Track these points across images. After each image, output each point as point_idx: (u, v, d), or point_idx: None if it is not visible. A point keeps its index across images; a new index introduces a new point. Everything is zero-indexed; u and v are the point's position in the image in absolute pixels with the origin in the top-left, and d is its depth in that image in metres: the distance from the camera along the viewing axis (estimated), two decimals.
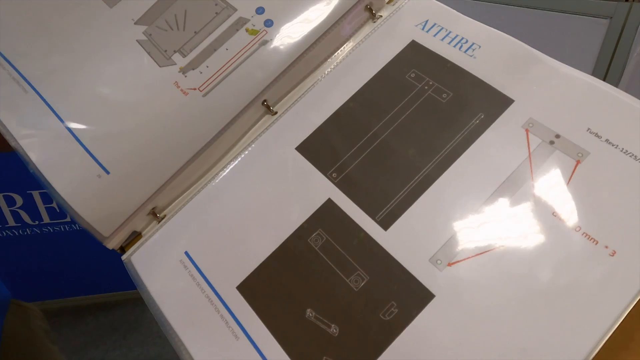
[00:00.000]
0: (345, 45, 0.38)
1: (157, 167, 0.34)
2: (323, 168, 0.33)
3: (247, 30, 0.36)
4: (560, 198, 0.27)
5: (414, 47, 0.35)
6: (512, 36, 0.33)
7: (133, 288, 0.33)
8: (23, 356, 0.53)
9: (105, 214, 0.34)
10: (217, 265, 0.32)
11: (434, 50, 0.34)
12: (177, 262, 0.32)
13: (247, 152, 0.35)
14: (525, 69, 0.32)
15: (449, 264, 0.27)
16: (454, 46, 0.34)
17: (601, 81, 0.30)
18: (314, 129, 0.34)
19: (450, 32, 0.35)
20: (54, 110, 0.35)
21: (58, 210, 1.02)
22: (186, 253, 0.33)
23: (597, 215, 0.26)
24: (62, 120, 0.35)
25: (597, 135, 0.28)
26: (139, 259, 0.34)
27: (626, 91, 0.29)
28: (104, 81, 0.36)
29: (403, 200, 0.30)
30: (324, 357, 0.27)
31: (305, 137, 0.34)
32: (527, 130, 0.30)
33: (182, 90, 0.35)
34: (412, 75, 0.34)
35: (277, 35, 0.36)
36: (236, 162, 0.35)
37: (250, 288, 0.30)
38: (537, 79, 0.31)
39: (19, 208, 1.02)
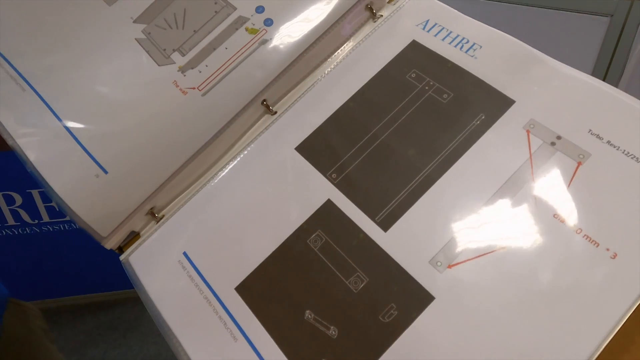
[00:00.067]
0: (345, 44, 0.37)
1: (155, 166, 0.34)
2: (323, 168, 0.32)
3: (246, 29, 0.36)
4: (561, 200, 0.27)
5: (414, 47, 0.35)
6: (513, 34, 0.33)
7: (132, 287, 0.33)
8: (21, 355, 0.53)
9: (103, 214, 0.33)
10: (216, 266, 0.31)
11: (434, 50, 0.34)
12: (176, 263, 0.32)
13: (246, 152, 0.35)
14: (527, 70, 0.32)
15: (449, 266, 0.27)
16: (455, 46, 0.34)
17: (603, 82, 0.30)
18: (314, 129, 0.34)
19: (451, 32, 0.34)
20: (51, 109, 0.35)
21: (57, 209, 1.02)
22: (184, 253, 0.32)
23: (598, 217, 0.26)
24: (60, 119, 0.35)
25: (598, 136, 0.28)
26: (137, 259, 0.34)
27: (627, 90, 0.29)
28: (103, 80, 0.36)
29: (403, 202, 0.30)
30: (323, 359, 0.27)
31: (304, 137, 0.34)
32: (528, 131, 0.29)
33: (181, 89, 0.35)
34: (413, 75, 0.34)
35: (277, 35, 0.36)
36: (235, 162, 0.35)
37: (249, 289, 0.30)
38: (538, 80, 0.31)
39: (18, 207, 1.02)
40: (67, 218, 1.05)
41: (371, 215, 0.30)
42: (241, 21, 0.36)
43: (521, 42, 0.33)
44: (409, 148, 0.31)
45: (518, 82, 0.31)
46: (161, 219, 0.35)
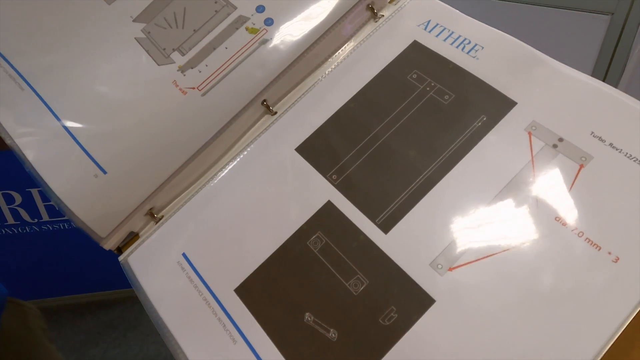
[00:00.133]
0: (346, 44, 0.37)
1: (155, 167, 0.34)
2: (323, 169, 0.32)
3: (247, 28, 0.36)
4: (562, 202, 0.27)
5: (415, 48, 0.35)
6: (513, 33, 0.33)
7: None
8: (21, 355, 0.53)
9: (102, 214, 0.33)
10: (215, 267, 0.31)
11: (436, 50, 0.34)
12: (175, 264, 0.32)
13: (246, 152, 0.35)
14: (529, 71, 0.31)
15: (450, 269, 0.27)
16: (457, 47, 0.34)
17: (605, 84, 0.30)
18: (314, 130, 0.34)
19: (452, 32, 0.34)
20: (50, 109, 0.35)
21: (57, 208, 1.01)
22: (184, 254, 0.32)
23: (600, 220, 0.26)
24: (58, 119, 0.35)
25: (600, 139, 0.28)
26: (136, 260, 0.33)
27: (627, 88, 0.29)
28: (102, 79, 0.36)
29: (404, 203, 0.29)
30: None
31: (305, 138, 0.34)
32: (530, 133, 0.29)
33: (180, 89, 0.35)
34: (414, 76, 0.34)
35: (277, 34, 0.35)
36: (235, 162, 0.35)
37: (248, 291, 0.30)
38: (540, 81, 0.31)
39: (17, 206, 1.01)
40: (67, 217, 1.05)
41: (371, 217, 0.30)
42: (241, 20, 0.36)
43: (523, 43, 0.33)
44: (409, 149, 0.31)
45: (520, 84, 0.31)
46: (160, 219, 0.35)
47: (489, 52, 0.33)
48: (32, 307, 0.58)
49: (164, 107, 0.35)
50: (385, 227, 0.29)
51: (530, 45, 0.32)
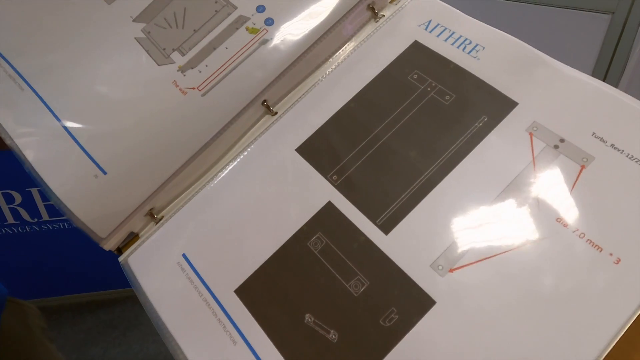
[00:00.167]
0: (346, 45, 0.37)
1: (155, 167, 0.34)
2: (323, 170, 0.32)
3: (247, 28, 0.36)
4: (564, 203, 0.27)
5: (416, 48, 0.35)
6: (513, 32, 0.33)
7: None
8: (20, 355, 0.53)
9: (102, 215, 0.33)
10: (215, 268, 0.31)
11: (437, 51, 0.34)
12: (175, 265, 0.32)
13: (246, 153, 0.35)
14: (530, 71, 0.31)
15: (451, 270, 0.27)
16: (458, 47, 0.33)
17: (607, 85, 0.30)
18: (315, 130, 0.34)
19: (453, 32, 0.34)
20: (50, 109, 0.35)
21: (57, 208, 1.01)
22: (184, 255, 0.32)
23: (601, 221, 0.26)
24: (58, 119, 0.34)
25: (602, 139, 0.28)
26: (136, 261, 0.33)
27: (628, 87, 0.29)
28: (102, 80, 0.36)
29: (404, 204, 0.29)
30: None
31: (305, 139, 0.34)
32: (531, 134, 0.29)
33: (180, 89, 0.35)
34: (415, 76, 0.34)
35: (278, 34, 0.35)
36: (235, 163, 0.35)
37: (248, 292, 0.30)
38: (541, 82, 0.31)
39: (17, 205, 1.01)
40: (67, 217, 1.05)
41: (372, 217, 0.30)
42: (242, 20, 0.36)
43: (524, 44, 0.32)
44: (410, 150, 0.31)
45: (521, 84, 0.31)
46: (160, 220, 0.35)
47: (490, 53, 0.33)
48: (32, 307, 0.58)
49: (164, 107, 0.34)
50: (386, 228, 0.29)
51: (530, 44, 0.32)
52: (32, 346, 0.55)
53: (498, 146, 0.30)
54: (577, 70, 0.31)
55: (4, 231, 1.06)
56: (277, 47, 0.35)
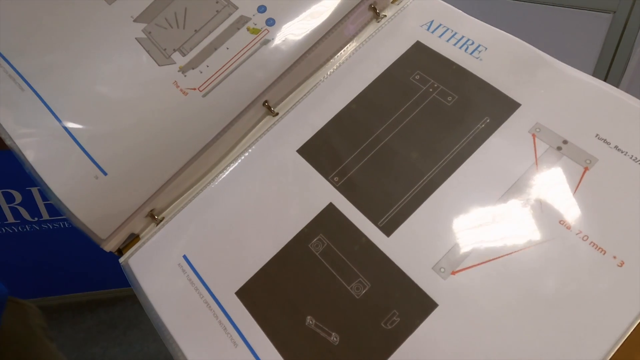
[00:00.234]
0: (348, 45, 0.37)
1: (155, 168, 0.34)
2: (324, 171, 0.32)
3: (248, 29, 0.36)
4: (567, 206, 0.27)
5: (418, 48, 0.34)
6: (514, 31, 0.33)
7: None
8: (20, 354, 0.53)
9: (103, 216, 0.33)
10: (216, 270, 0.31)
11: (439, 51, 0.34)
12: (175, 266, 0.32)
13: (247, 154, 0.35)
14: (533, 72, 0.31)
15: (453, 272, 0.27)
16: (460, 47, 0.33)
17: (610, 86, 0.29)
18: (316, 131, 0.34)
19: (455, 33, 0.34)
20: (50, 109, 0.35)
21: (57, 209, 1.01)
22: (184, 257, 0.32)
23: (604, 224, 0.26)
24: (59, 120, 0.34)
25: (605, 141, 0.28)
26: (137, 262, 0.33)
27: (629, 87, 0.29)
28: (102, 80, 0.35)
29: (406, 206, 0.29)
30: None
31: (306, 140, 0.34)
32: (533, 135, 0.29)
33: (181, 90, 0.35)
34: (417, 77, 0.33)
35: (279, 35, 0.35)
36: (236, 164, 0.35)
37: (249, 294, 0.30)
38: (544, 83, 0.30)
39: (18, 205, 1.01)
40: (67, 218, 1.05)
41: (374, 219, 0.29)
42: (243, 21, 0.36)
43: (527, 44, 0.32)
44: (412, 151, 0.31)
45: (524, 85, 0.31)
46: (161, 221, 0.34)
47: (492, 53, 0.32)
48: (32, 306, 0.58)
49: (165, 108, 0.34)
50: (388, 229, 0.29)
51: (531, 43, 0.32)
52: (33, 345, 0.55)
53: (501, 148, 0.29)
54: (580, 71, 0.31)
55: (4, 230, 1.06)
56: (279, 48, 0.35)
